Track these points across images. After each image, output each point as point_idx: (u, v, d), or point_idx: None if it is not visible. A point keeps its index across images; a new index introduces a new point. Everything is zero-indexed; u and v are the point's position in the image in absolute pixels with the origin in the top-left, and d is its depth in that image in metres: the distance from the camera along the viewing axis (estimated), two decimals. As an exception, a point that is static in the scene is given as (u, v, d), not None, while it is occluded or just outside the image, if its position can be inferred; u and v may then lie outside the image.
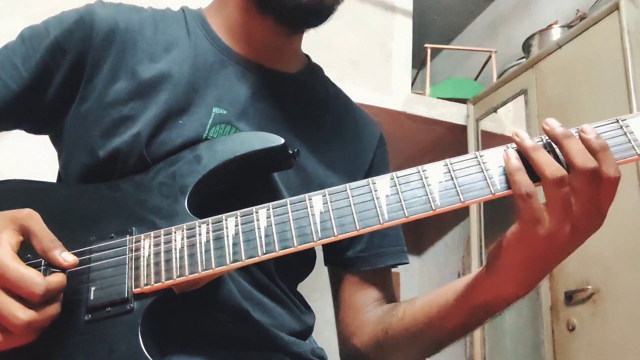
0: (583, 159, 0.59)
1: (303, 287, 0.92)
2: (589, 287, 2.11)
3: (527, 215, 0.60)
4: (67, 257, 0.64)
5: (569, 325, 2.17)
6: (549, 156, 0.60)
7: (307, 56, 0.98)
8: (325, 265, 0.94)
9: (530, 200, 0.59)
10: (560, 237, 0.60)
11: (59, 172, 0.88)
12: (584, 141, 0.60)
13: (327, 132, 0.90)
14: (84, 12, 0.83)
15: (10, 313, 0.58)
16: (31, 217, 0.64)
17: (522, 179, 0.60)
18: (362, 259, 0.89)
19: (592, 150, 0.60)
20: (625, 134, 0.63)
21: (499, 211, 3.09)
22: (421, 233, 3.76)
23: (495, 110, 2.93)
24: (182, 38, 0.85)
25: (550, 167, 0.59)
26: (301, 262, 0.88)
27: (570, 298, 2.17)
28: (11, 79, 0.80)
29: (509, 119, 3.08)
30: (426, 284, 3.64)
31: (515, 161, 0.61)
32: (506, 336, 3.03)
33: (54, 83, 0.82)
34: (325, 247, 0.90)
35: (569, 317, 2.18)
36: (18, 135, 0.90)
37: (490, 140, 2.97)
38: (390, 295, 0.91)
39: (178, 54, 0.83)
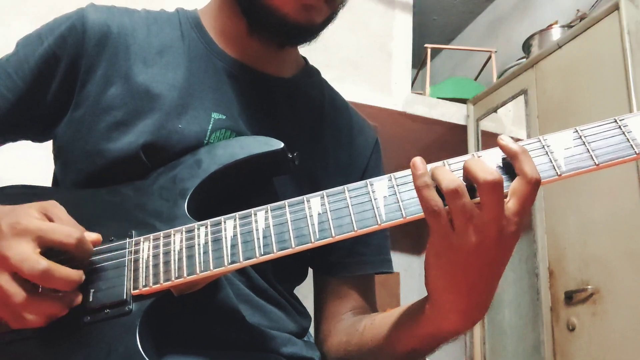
0: (483, 174, 0.58)
1: (300, 289, 0.92)
2: (589, 287, 2.11)
3: (435, 230, 0.60)
4: (90, 235, 0.67)
5: (569, 325, 2.17)
6: (445, 171, 0.60)
7: (304, 59, 0.97)
8: (311, 267, 0.94)
9: (437, 216, 0.59)
10: (467, 249, 0.59)
11: (54, 176, 0.88)
12: (500, 144, 0.61)
13: (322, 136, 0.90)
14: (75, 18, 0.82)
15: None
16: (56, 205, 0.67)
17: (430, 194, 0.59)
18: (342, 265, 0.89)
19: (511, 154, 0.60)
20: (623, 133, 0.63)
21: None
22: (421, 233, 3.76)
23: (495, 110, 2.93)
24: (176, 41, 0.85)
25: (446, 179, 0.58)
26: (298, 265, 0.88)
27: (570, 298, 2.17)
28: (6, 89, 0.81)
29: (509, 119, 3.08)
30: (426, 284, 3.63)
31: (423, 176, 0.59)
32: (506, 336, 3.03)
33: (50, 90, 0.81)
34: (311, 249, 0.91)
35: (569, 317, 2.18)
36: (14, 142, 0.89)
37: (491, 140, 2.97)
38: (369, 304, 0.91)
39: (172, 57, 0.83)
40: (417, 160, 0.60)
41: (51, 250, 0.63)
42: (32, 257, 0.60)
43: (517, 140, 0.62)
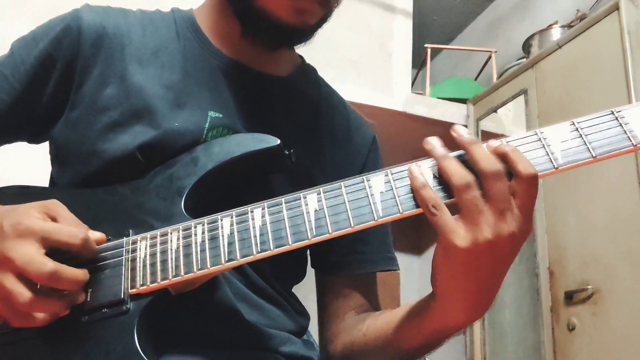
0: (487, 163, 0.58)
1: (300, 289, 0.92)
2: (589, 287, 2.10)
3: (441, 229, 0.59)
4: (94, 234, 0.67)
5: (569, 325, 2.17)
6: (456, 164, 0.60)
7: (300, 57, 0.97)
8: (312, 267, 0.93)
9: (439, 214, 0.59)
10: (481, 245, 0.58)
11: (51, 178, 0.88)
12: (490, 148, 0.61)
13: (319, 134, 0.89)
14: (70, 19, 0.82)
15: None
16: (58, 204, 0.67)
17: (427, 194, 0.59)
18: (342, 264, 0.88)
19: (501, 154, 0.60)
20: (620, 125, 0.63)
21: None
22: (421, 233, 3.76)
23: (495, 110, 2.93)
24: (171, 41, 0.85)
25: (457, 174, 0.59)
26: (296, 263, 0.87)
27: (570, 298, 2.17)
28: (2, 91, 0.80)
29: (509, 119, 3.08)
30: (426, 283, 3.62)
31: (420, 177, 0.60)
32: (506, 336, 3.03)
33: (46, 92, 0.81)
34: (310, 249, 0.88)
35: (569, 317, 2.17)
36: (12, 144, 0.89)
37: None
38: (371, 303, 0.90)
39: (168, 57, 0.83)
40: (414, 168, 0.61)
41: (54, 249, 0.63)
42: (39, 258, 0.60)
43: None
